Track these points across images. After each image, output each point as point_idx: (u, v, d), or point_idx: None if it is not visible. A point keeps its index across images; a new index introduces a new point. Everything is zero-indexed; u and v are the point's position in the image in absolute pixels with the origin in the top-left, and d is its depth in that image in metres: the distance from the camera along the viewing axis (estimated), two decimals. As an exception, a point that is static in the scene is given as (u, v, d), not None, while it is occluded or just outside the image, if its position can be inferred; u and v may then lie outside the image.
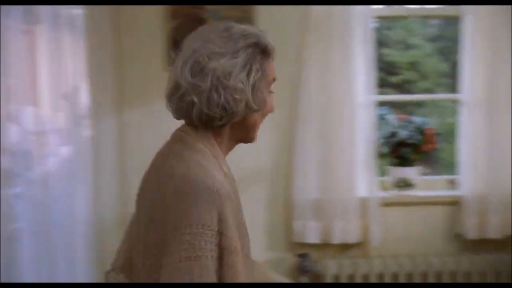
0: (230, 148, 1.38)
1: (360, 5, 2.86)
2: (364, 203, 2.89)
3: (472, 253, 2.97)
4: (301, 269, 2.91)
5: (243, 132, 1.36)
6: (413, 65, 4.86)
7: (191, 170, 1.24)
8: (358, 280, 2.93)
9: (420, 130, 2.98)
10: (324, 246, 2.94)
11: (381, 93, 3.02)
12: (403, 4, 3.09)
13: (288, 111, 2.91)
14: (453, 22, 3.56)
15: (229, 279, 1.21)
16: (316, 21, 2.85)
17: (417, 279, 2.93)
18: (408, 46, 4.85)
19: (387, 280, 2.94)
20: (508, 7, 2.84)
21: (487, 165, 2.90)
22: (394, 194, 3.02)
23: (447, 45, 4.68)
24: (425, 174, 3.14)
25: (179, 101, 1.30)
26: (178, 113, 1.33)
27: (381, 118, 3.05)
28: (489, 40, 2.88)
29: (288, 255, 2.98)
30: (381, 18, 3.08)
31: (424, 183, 3.08)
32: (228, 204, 1.23)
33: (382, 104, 3.09)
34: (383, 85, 3.11)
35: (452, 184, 3.03)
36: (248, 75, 1.29)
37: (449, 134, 3.30)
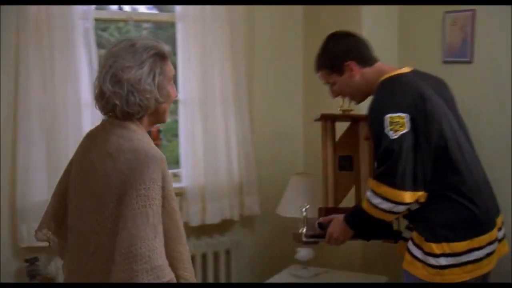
0: (149, 129, 1.84)
1: (81, 5, 2.89)
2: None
3: (196, 239, 3.26)
4: (30, 274, 2.83)
5: (157, 117, 1.83)
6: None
7: (137, 145, 1.70)
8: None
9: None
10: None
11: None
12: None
13: (11, 112, 2.81)
14: (165, 26, 3.82)
15: (169, 218, 1.71)
16: (35, 21, 2.80)
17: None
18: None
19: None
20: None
21: (204, 159, 3.21)
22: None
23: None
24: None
25: (106, 103, 1.74)
26: (104, 111, 1.77)
27: (106, 117, 3.13)
28: (200, 44, 3.16)
29: (16, 261, 2.87)
30: (98, 20, 3.14)
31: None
32: (165, 166, 1.71)
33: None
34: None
35: (176, 177, 3.27)
36: (153, 78, 1.74)
37: (170, 132, 3.55)
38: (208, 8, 3.15)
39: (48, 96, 2.83)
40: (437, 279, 2.14)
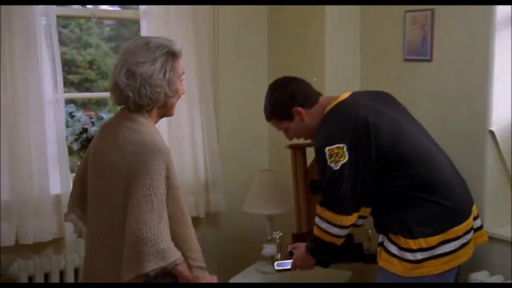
0: (157, 121, 2.03)
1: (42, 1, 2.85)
2: (57, 200, 2.90)
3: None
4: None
5: (165, 111, 2.02)
6: (91, 64, 4.96)
7: (144, 138, 1.89)
8: (54, 277, 2.93)
9: (110, 126, 3.11)
10: (17, 247, 2.85)
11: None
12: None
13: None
14: (128, 23, 3.79)
15: (174, 205, 1.89)
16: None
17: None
18: (84, 45, 4.92)
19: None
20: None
21: None
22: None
23: (123, 45, 4.90)
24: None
25: (120, 95, 1.93)
26: (118, 102, 1.98)
27: (70, 115, 3.09)
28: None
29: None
30: (59, 17, 3.09)
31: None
32: (169, 158, 1.89)
33: (66, 102, 3.13)
34: (63, 84, 3.15)
35: None
36: (164, 74, 1.92)
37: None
38: (172, 5, 3.14)
39: (9, 94, 2.77)
40: (415, 272, 2.21)
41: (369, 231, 2.76)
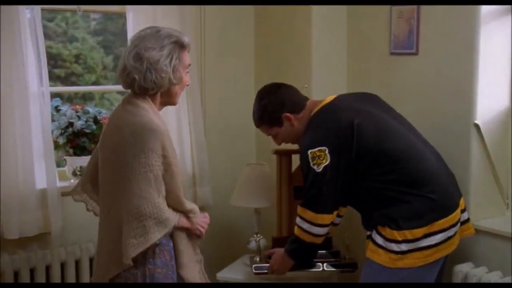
0: (160, 108, 2.17)
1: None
2: (43, 194, 2.89)
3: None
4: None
5: (169, 99, 2.15)
6: (77, 58, 4.92)
7: (140, 119, 2.04)
8: (40, 272, 2.91)
9: (96, 120, 3.09)
10: (2, 242, 2.81)
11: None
12: None
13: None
14: (115, 17, 3.77)
15: (169, 179, 2.06)
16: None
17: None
18: (70, 39, 4.89)
19: (71, 267, 3.00)
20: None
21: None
22: (74, 183, 3.08)
23: (109, 39, 4.88)
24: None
25: (126, 77, 2.07)
26: (125, 85, 2.11)
27: (56, 109, 3.07)
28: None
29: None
30: (44, 10, 3.06)
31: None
32: (165, 137, 2.04)
33: (52, 96, 3.11)
34: (49, 78, 3.12)
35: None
36: (170, 61, 2.06)
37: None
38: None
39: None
40: (399, 263, 2.25)
41: (347, 241, 2.82)
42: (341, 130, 2.32)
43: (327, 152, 2.30)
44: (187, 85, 2.21)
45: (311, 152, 2.32)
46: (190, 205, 2.19)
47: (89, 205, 2.33)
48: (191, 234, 2.21)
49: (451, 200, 2.34)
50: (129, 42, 2.11)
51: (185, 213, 2.17)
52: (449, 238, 2.30)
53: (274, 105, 2.51)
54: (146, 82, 2.05)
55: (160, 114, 2.15)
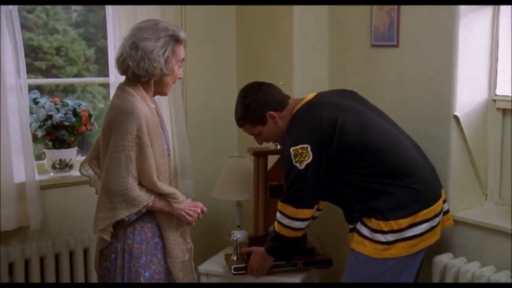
0: (153, 96, 2.31)
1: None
2: (22, 188, 2.85)
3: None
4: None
5: (160, 89, 2.29)
6: (59, 50, 4.86)
7: (122, 103, 2.18)
8: (19, 266, 2.89)
9: (76, 112, 3.05)
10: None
11: (28, 78, 2.94)
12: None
13: None
14: (95, 9, 3.73)
15: (142, 160, 2.16)
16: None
17: (80, 256, 3.05)
18: (51, 31, 4.83)
19: (50, 261, 2.97)
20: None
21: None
22: (53, 176, 3.06)
23: (91, 31, 4.82)
24: (82, 154, 3.25)
25: (122, 64, 2.21)
26: (120, 71, 2.25)
27: (34, 102, 3.03)
28: (131, 26, 3.07)
29: None
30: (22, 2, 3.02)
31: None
32: (142, 121, 2.14)
33: (32, 88, 3.08)
34: (29, 70, 3.08)
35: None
36: (164, 52, 2.19)
37: (101, 117, 3.48)
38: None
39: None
40: (385, 254, 2.28)
41: (321, 237, 2.85)
42: (323, 127, 2.33)
43: (309, 149, 2.32)
44: (179, 78, 2.33)
45: (293, 150, 2.34)
46: (168, 189, 2.25)
47: (92, 181, 2.44)
48: (181, 221, 2.30)
49: (433, 190, 2.37)
50: (128, 32, 2.24)
51: (164, 196, 2.24)
52: (433, 228, 2.33)
53: (258, 103, 2.51)
54: (139, 70, 2.17)
55: (150, 101, 2.27)
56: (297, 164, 2.34)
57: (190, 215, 2.30)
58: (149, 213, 2.25)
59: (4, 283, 2.84)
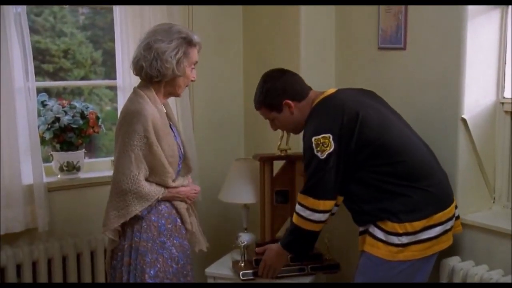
0: (165, 99, 2.42)
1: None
2: (30, 190, 2.87)
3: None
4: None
5: (172, 90, 2.37)
6: (66, 53, 4.88)
7: (131, 105, 2.28)
8: (27, 268, 2.90)
9: (83, 115, 3.06)
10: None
11: (36, 81, 2.97)
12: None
13: None
14: (102, 11, 3.74)
15: (153, 159, 2.25)
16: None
17: (87, 258, 3.06)
18: (59, 34, 4.85)
19: (58, 263, 2.98)
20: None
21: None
22: (61, 178, 3.08)
23: (98, 34, 4.84)
24: (89, 157, 3.27)
25: (136, 64, 2.31)
26: (135, 71, 2.35)
27: (42, 104, 3.05)
28: (138, 30, 3.10)
29: None
30: (31, 4, 3.04)
31: (89, 165, 3.20)
32: (149, 121, 2.23)
33: (40, 91, 3.09)
34: (37, 73, 3.10)
35: (115, 164, 3.22)
36: (176, 54, 2.27)
37: (110, 120, 3.50)
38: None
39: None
40: (400, 256, 2.27)
41: (327, 242, 2.84)
42: (345, 119, 2.32)
43: (331, 139, 2.31)
44: (193, 80, 2.40)
45: (315, 139, 2.32)
46: (175, 183, 2.37)
47: None
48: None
49: (447, 194, 2.38)
50: (144, 35, 2.34)
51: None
52: (446, 231, 2.33)
53: (276, 90, 2.51)
54: (151, 70, 2.26)
55: (160, 104, 2.35)
56: (319, 154, 2.32)
57: (190, 199, 2.47)
58: (156, 211, 2.33)
59: (11, 283, 2.84)
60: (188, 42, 2.32)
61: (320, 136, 2.32)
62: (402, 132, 2.39)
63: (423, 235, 2.27)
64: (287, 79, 2.54)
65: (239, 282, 2.81)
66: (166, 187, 2.33)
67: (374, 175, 2.32)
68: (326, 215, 2.42)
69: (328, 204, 2.38)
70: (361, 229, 2.44)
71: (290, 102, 2.50)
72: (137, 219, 2.29)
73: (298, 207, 2.43)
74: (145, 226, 2.31)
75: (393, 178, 2.30)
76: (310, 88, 2.57)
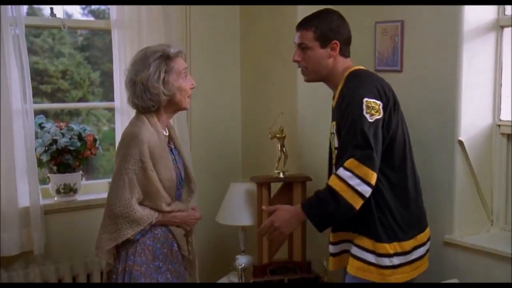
0: (170, 116, 2.39)
1: (10, 12, 2.81)
2: (26, 212, 2.85)
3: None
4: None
5: (175, 107, 2.34)
6: (64, 74, 4.90)
7: (130, 129, 2.27)
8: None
9: (81, 137, 3.06)
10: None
11: (34, 102, 2.96)
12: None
13: None
14: (100, 33, 3.76)
15: (146, 182, 2.23)
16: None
17: (83, 281, 3.04)
18: (57, 55, 4.87)
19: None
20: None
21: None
22: (58, 200, 3.06)
23: (96, 55, 4.86)
24: (86, 178, 3.26)
25: (130, 103, 2.31)
26: (133, 107, 2.33)
27: (40, 126, 3.05)
28: (136, 51, 3.11)
29: None
30: (28, 26, 3.06)
31: (86, 187, 3.19)
32: (145, 146, 2.21)
33: (37, 112, 3.09)
34: (35, 93, 3.10)
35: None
36: (159, 77, 2.22)
37: (107, 141, 3.49)
38: (143, 15, 3.12)
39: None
40: (392, 279, 2.23)
41: (325, 264, 2.81)
42: (390, 97, 2.25)
43: (381, 107, 2.19)
44: (192, 88, 2.35)
45: (366, 101, 2.17)
46: (170, 207, 2.32)
47: None
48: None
49: (424, 213, 2.38)
50: (126, 72, 2.32)
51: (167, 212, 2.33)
52: (427, 251, 2.34)
53: (339, 27, 2.33)
54: (145, 103, 2.24)
55: (161, 128, 2.31)
56: (367, 115, 2.15)
57: (189, 225, 2.43)
58: (151, 235, 2.31)
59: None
60: (166, 58, 2.26)
61: (372, 100, 2.17)
62: (406, 141, 2.33)
63: (412, 255, 2.26)
64: (349, 30, 2.38)
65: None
66: (161, 211, 2.30)
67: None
68: (370, 192, 2.14)
69: (375, 177, 2.13)
70: (336, 250, 2.39)
71: (338, 45, 2.31)
72: (131, 242, 2.27)
73: (345, 173, 2.12)
74: (139, 250, 2.28)
75: (387, 185, 2.24)
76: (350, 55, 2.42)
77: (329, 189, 2.15)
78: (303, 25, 2.34)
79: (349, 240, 2.34)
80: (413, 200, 2.29)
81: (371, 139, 2.13)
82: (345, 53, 2.36)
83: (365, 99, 2.17)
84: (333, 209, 2.15)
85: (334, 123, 2.35)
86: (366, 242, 2.26)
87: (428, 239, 2.35)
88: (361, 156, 2.12)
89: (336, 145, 2.29)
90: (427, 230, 2.36)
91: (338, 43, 2.31)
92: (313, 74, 2.38)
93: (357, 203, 2.13)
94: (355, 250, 2.28)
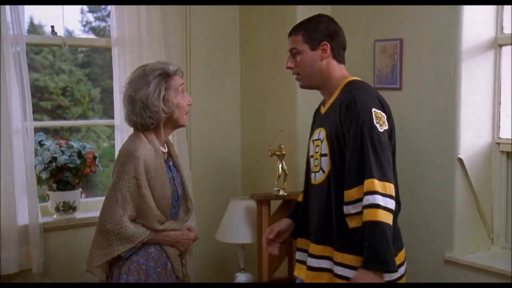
0: (168, 133, 2.38)
1: (11, 29, 2.82)
2: (25, 230, 2.84)
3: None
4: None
5: (174, 124, 2.33)
6: (64, 90, 4.91)
7: (126, 146, 2.27)
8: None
9: (80, 155, 3.06)
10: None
11: (34, 119, 2.95)
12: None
13: None
14: (100, 49, 3.78)
15: (142, 201, 2.21)
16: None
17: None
18: (57, 71, 4.89)
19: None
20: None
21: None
22: (57, 218, 3.05)
23: (96, 72, 4.88)
24: (86, 195, 3.25)
25: (128, 121, 2.29)
26: (131, 125, 2.31)
27: (40, 144, 3.05)
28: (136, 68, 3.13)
29: None
30: (30, 44, 3.06)
31: (85, 205, 3.18)
32: (141, 163, 2.20)
33: (37, 129, 3.09)
34: (35, 110, 3.10)
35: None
36: (158, 94, 2.23)
37: (107, 157, 3.49)
38: (143, 32, 3.13)
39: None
40: None
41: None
42: (388, 110, 2.23)
43: (385, 119, 2.17)
44: (189, 104, 2.34)
45: (375, 111, 2.14)
46: (163, 226, 2.29)
47: None
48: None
49: (400, 234, 2.26)
50: (123, 89, 2.31)
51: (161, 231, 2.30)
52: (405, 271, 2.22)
53: (327, 29, 2.28)
54: (144, 120, 2.23)
55: (159, 145, 2.29)
56: (377, 126, 2.11)
57: (182, 245, 2.36)
58: (145, 253, 2.27)
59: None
60: (166, 75, 2.26)
61: (379, 111, 2.15)
62: (394, 153, 2.27)
63: (404, 266, 2.20)
64: (341, 33, 2.33)
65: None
66: (153, 229, 2.27)
67: None
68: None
69: (393, 189, 2.08)
70: (314, 264, 2.23)
71: (328, 47, 2.26)
72: (124, 260, 2.25)
73: (378, 198, 2.00)
74: (132, 269, 2.25)
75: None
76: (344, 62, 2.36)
77: (377, 227, 2.00)
78: (293, 30, 2.33)
79: (330, 258, 2.20)
80: (395, 218, 2.13)
81: (384, 150, 2.10)
82: (338, 57, 2.31)
83: (373, 109, 2.14)
84: (390, 240, 2.03)
85: (321, 129, 2.30)
86: (352, 260, 2.11)
87: (404, 260, 2.22)
88: (383, 174, 2.06)
89: (324, 152, 2.25)
90: (403, 250, 2.23)
91: (328, 44, 2.27)
92: (307, 79, 2.33)
93: (391, 220, 2.04)
94: (347, 272, 2.11)
